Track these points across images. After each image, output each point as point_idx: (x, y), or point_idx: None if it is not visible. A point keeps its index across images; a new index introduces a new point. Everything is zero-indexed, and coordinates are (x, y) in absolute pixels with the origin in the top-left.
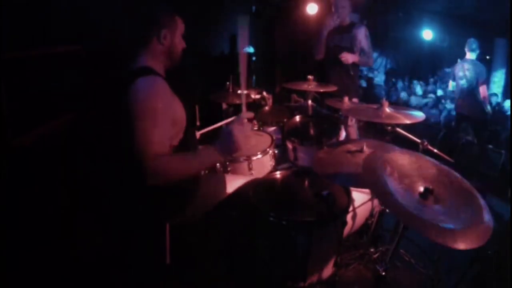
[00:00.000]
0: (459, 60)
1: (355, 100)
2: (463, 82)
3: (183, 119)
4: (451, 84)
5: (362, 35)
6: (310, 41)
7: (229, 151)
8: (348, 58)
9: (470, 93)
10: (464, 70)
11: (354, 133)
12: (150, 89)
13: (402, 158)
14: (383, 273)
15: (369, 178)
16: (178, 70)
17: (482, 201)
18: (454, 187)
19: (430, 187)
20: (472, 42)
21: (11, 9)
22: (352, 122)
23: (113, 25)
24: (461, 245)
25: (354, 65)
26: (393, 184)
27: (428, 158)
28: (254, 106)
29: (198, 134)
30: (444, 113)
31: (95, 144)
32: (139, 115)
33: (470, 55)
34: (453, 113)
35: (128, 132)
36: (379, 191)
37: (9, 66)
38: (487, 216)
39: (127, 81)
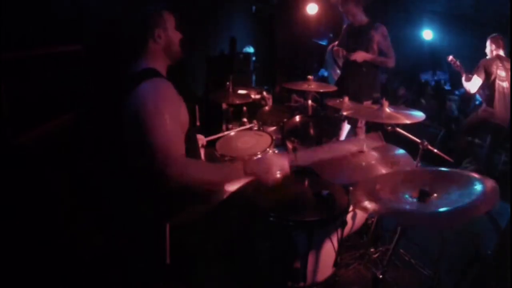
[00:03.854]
0: (487, 57)
1: (367, 103)
2: (505, 85)
3: (187, 120)
4: (475, 81)
5: (379, 35)
6: (310, 41)
7: (259, 175)
8: (357, 56)
9: (507, 100)
10: (505, 70)
11: (362, 134)
12: (157, 91)
13: (393, 176)
14: (381, 276)
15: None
16: (178, 70)
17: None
18: (451, 180)
19: (427, 188)
20: (499, 38)
21: (11, 9)
22: (362, 123)
23: (110, 30)
24: (482, 210)
25: (369, 64)
26: (386, 198)
27: (421, 168)
28: (254, 106)
29: (205, 140)
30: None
31: (96, 145)
32: (153, 117)
33: (501, 52)
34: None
35: (142, 136)
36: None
37: (9, 66)
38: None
39: (131, 85)
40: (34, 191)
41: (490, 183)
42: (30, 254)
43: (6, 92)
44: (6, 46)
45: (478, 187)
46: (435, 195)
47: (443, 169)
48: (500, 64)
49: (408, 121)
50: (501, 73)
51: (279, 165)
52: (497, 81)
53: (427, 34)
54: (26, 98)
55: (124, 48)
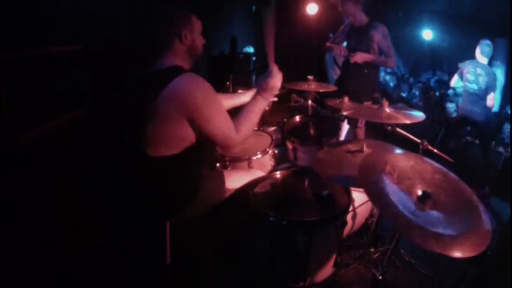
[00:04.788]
0: (468, 61)
1: (367, 103)
2: (472, 86)
3: None
4: (456, 80)
5: (379, 35)
6: (310, 41)
7: (271, 90)
8: (358, 57)
9: (478, 98)
10: (476, 74)
11: (362, 135)
12: (199, 84)
13: (406, 161)
14: (380, 277)
15: (365, 174)
16: None
17: (483, 212)
18: (456, 195)
19: (429, 191)
20: (486, 45)
21: (11, 9)
22: (362, 124)
23: (133, 29)
24: (456, 253)
25: (370, 65)
26: (389, 183)
27: (435, 164)
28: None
29: None
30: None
31: (96, 145)
32: (204, 105)
33: (482, 59)
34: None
35: (202, 127)
36: (371, 190)
37: (9, 66)
38: (486, 225)
39: (163, 81)
40: (34, 191)
41: (485, 227)
42: (30, 254)
43: (6, 92)
44: (6, 46)
45: (470, 222)
46: (434, 211)
47: (456, 178)
48: (472, 70)
49: (408, 121)
50: (469, 75)
51: (279, 78)
52: (466, 83)
53: (427, 34)
54: (26, 98)
55: (148, 45)
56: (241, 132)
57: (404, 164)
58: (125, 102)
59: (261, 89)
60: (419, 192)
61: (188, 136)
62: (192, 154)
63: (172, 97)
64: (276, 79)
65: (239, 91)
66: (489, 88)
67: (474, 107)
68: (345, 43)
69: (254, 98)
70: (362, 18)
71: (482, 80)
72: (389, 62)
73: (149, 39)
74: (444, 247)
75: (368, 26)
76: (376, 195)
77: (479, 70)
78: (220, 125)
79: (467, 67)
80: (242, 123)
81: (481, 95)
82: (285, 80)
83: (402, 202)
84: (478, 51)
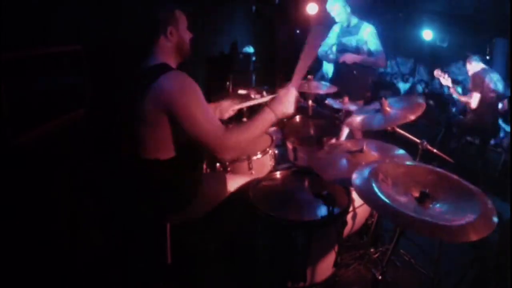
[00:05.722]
0: (480, 69)
1: (359, 102)
2: (493, 95)
3: None
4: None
5: (368, 35)
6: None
7: (285, 110)
8: (347, 59)
9: (494, 106)
10: (495, 83)
11: (359, 135)
12: (183, 83)
13: (396, 169)
14: (380, 277)
15: (359, 184)
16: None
17: (482, 194)
18: (454, 189)
19: (427, 190)
20: (475, 59)
21: (11, 9)
22: None
23: (120, 28)
24: (473, 237)
25: (359, 66)
26: (386, 190)
27: (426, 166)
28: (253, 106)
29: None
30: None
31: (100, 143)
32: (187, 104)
33: (483, 65)
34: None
35: (188, 128)
36: (368, 198)
37: (9, 66)
38: (490, 205)
39: (147, 80)
40: (34, 191)
41: (488, 208)
42: (30, 254)
43: (6, 92)
44: (6, 46)
45: (475, 210)
46: (434, 203)
47: (449, 174)
48: (489, 78)
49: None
50: (491, 85)
51: (295, 97)
52: (489, 94)
53: (427, 34)
54: (26, 98)
55: (135, 44)
56: (231, 136)
57: (395, 172)
58: (119, 104)
59: (272, 100)
60: (417, 194)
61: (180, 138)
62: (190, 156)
63: (156, 97)
64: (289, 94)
65: (239, 91)
66: (504, 94)
67: (486, 115)
68: (336, 44)
69: (262, 108)
70: (350, 18)
71: (500, 87)
72: (379, 62)
73: (135, 38)
74: (458, 236)
75: (357, 26)
76: (373, 199)
77: (495, 77)
78: (204, 125)
79: (486, 78)
80: (237, 129)
81: (496, 103)
82: (285, 80)
83: (402, 204)
84: (473, 60)
